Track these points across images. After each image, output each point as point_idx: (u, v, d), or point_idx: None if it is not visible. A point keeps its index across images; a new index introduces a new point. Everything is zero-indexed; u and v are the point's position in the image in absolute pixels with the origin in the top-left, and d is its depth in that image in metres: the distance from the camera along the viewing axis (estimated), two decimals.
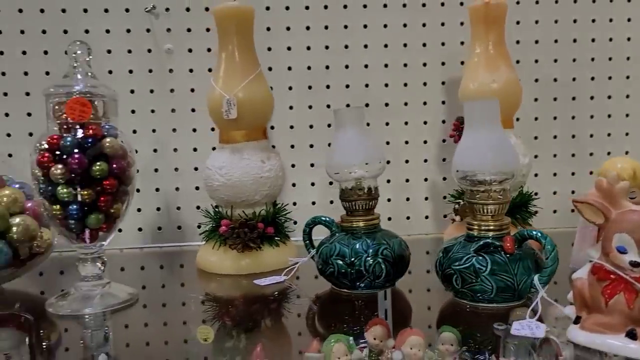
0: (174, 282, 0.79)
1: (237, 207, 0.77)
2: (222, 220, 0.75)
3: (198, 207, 1.01)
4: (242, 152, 0.76)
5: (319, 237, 0.69)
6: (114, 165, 0.61)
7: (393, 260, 0.62)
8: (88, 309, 0.61)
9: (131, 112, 0.98)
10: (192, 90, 1.00)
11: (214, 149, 0.99)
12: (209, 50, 0.99)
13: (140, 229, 1.00)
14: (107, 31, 0.98)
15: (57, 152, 0.59)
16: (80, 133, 0.60)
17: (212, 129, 0.99)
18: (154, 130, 1.00)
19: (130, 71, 0.99)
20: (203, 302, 0.66)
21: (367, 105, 1.01)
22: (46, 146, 0.60)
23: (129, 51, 0.99)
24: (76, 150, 0.59)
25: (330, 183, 1.02)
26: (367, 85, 1.02)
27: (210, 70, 0.99)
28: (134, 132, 0.98)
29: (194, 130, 1.01)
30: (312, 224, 0.69)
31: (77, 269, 0.64)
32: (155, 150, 1.00)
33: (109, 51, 0.98)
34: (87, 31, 0.98)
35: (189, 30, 0.99)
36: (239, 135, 0.76)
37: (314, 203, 1.02)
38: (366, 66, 1.02)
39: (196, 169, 1.01)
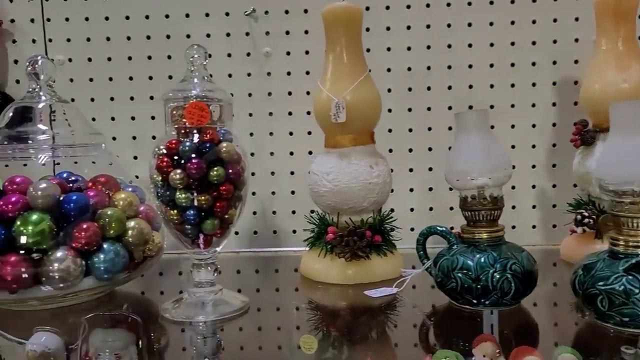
0: (277, 288, 0.77)
1: (343, 214, 0.74)
2: (328, 228, 0.73)
3: (294, 212, 0.99)
4: (349, 157, 0.73)
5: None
6: (230, 171, 0.60)
7: (522, 276, 0.57)
8: (201, 316, 0.60)
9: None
10: (290, 93, 0.99)
11: (310, 152, 0.98)
12: (307, 52, 0.98)
13: (236, 233, 1.00)
14: (208, 35, 0.98)
15: (175, 157, 0.59)
16: (197, 138, 0.59)
17: (309, 133, 0.98)
18: (251, 134, 0.99)
19: (230, 75, 0.99)
20: (309, 310, 0.64)
21: (470, 107, 0.96)
22: (164, 151, 0.60)
23: (229, 55, 0.99)
24: (194, 155, 0.58)
25: (430, 189, 0.98)
26: (470, 87, 0.97)
27: (308, 73, 0.98)
28: None
29: (291, 133, 0.99)
30: (427, 234, 0.65)
31: (190, 273, 0.63)
32: (252, 154, 0.99)
33: (209, 55, 0.99)
34: (188, 36, 0.99)
35: (287, 32, 0.98)
36: (347, 139, 0.74)
37: (412, 210, 0.98)
38: (470, 66, 0.96)
39: (292, 173, 0.99)
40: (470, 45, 0.96)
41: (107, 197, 0.66)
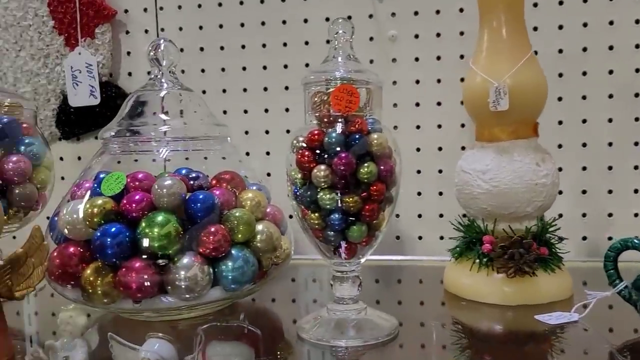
0: (408, 302, 0.66)
1: (500, 220, 0.62)
2: (484, 237, 0.62)
3: (420, 216, 0.89)
4: (511, 153, 0.61)
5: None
6: (382, 167, 0.50)
7: None
8: (343, 341, 0.50)
9: None
10: (417, 81, 0.88)
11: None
12: (438, 35, 0.86)
13: None
14: (327, 19, 0.89)
15: (318, 151, 0.50)
16: (340, 128, 0.50)
17: (439, 126, 0.87)
18: None
19: None
20: (457, 333, 0.54)
21: (636, 95, 0.81)
22: (305, 144, 0.51)
23: (327, 42, 0.89)
24: (341, 149, 0.49)
25: (584, 192, 0.84)
26: (637, 71, 0.82)
27: (439, 58, 0.87)
28: None
29: (418, 127, 0.88)
30: (621, 249, 0.52)
31: (331, 287, 0.54)
32: None
33: (328, 42, 0.90)
34: (305, 20, 0.90)
35: (415, 13, 0.87)
36: (506, 131, 0.62)
37: (560, 215, 0.84)
38: (637, 46, 0.81)
39: (419, 172, 0.88)
40: (637, 22, 0.81)
41: (234, 197, 0.59)
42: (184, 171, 0.66)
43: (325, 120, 0.51)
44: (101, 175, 0.62)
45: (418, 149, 0.88)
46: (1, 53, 0.96)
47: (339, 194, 0.49)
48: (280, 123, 0.91)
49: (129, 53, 0.97)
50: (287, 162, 0.53)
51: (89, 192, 0.58)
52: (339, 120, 0.50)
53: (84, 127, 0.97)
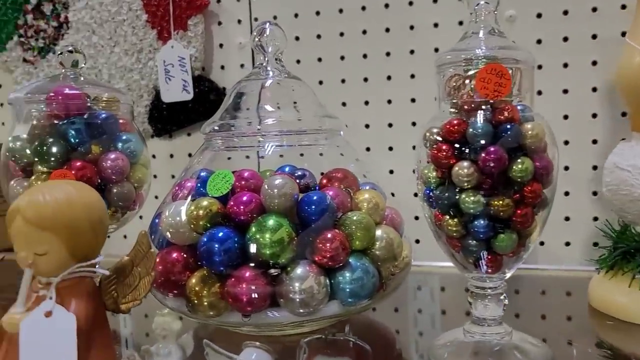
0: (548, 318, 0.57)
1: None
2: None
3: None
4: None
5: None
6: (537, 163, 0.41)
7: None
8: None
9: None
10: (540, 67, 0.77)
11: (566, 143, 0.76)
12: (565, 13, 0.76)
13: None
14: (435, 1, 0.81)
15: (458, 145, 0.42)
16: (482, 117, 0.42)
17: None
18: None
19: None
20: None
21: None
22: (439, 137, 0.43)
23: (460, 23, 0.80)
24: (489, 142, 0.41)
25: None
26: None
27: (566, 39, 0.76)
28: None
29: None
30: None
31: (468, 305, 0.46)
32: None
33: (435, 25, 0.82)
34: (410, 3, 0.82)
35: None
36: None
37: None
38: None
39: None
40: None
41: (349, 198, 0.52)
42: (287, 169, 0.60)
43: (466, 107, 0.43)
44: (202, 174, 0.57)
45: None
46: (96, 50, 0.95)
47: (485, 196, 0.41)
48: (404, 114, 0.82)
49: (221, 45, 0.92)
50: (417, 158, 0.46)
51: (191, 193, 0.53)
52: (483, 107, 0.42)
53: (176, 124, 0.93)
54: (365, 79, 0.85)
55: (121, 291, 0.40)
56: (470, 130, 0.41)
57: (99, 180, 0.63)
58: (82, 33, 0.96)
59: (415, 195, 0.78)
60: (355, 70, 0.85)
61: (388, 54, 0.83)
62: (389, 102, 0.83)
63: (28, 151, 0.63)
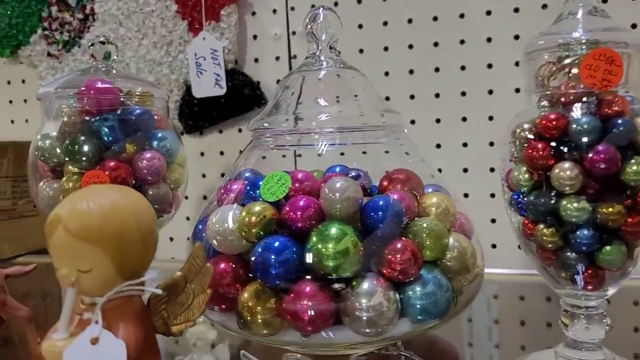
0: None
1: None
2: None
3: None
4: None
5: None
6: None
7: None
8: None
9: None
10: None
11: None
12: None
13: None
14: None
15: (554, 143, 0.36)
16: (587, 110, 0.36)
17: None
18: None
19: None
20: None
21: None
22: (531, 135, 0.37)
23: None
24: (591, 139, 0.35)
25: None
26: None
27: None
28: None
29: None
30: None
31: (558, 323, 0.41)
32: None
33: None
34: None
35: None
36: None
37: None
38: None
39: None
40: None
41: (416, 202, 0.46)
42: (337, 169, 0.55)
43: (563, 100, 0.37)
44: (246, 174, 0.52)
45: None
46: (124, 42, 0.90)
47: (591, 202, 0.35)
48: (480, 108, 0.76)
49: (255, 37, 0.87)
50: (500, 157, 0.40)
51: (240, 197, 0.48)
52: (585, 99, 0.36)
53: (208, 120, 0.89)
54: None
55: (172, 311, 0.35)
56: (574, 126, 0.35)
57: (133, 182, 0.59)
58: (109, 25, 0.91)
59: (492, 195, 0.73)
60: (425, 59, 0.78)
61: (462, 41, 0.77)
62: (463, 94, 0.77)
63: (58, 150, 0.58)
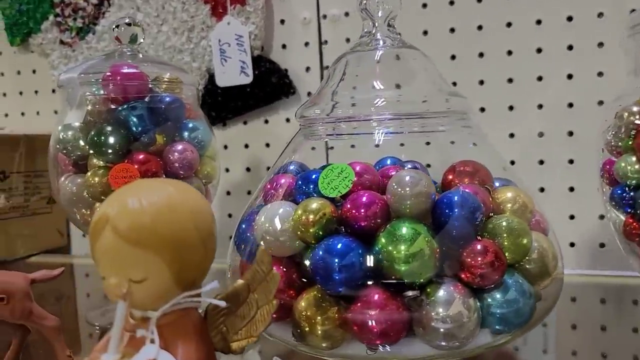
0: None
1: None
2: None
3: None
4: None
5: None
6: None
7: None
8: None
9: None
10: None
11: None
12: None
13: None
14: None
15: None
16: None
17: None
18: None
19: None
20: None
21: None
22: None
23: None
24: None
25: None
26: None
27: None
28: None
29: None
30: None
31: None
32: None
33: None
34: None
35: None
36: None
37: None
38: None
39: None
40: None
41: (490, 198, 0.41)
42: (388, 161, 0.50)
43: None
44: (291, 167, 0.47)
45: None
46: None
47: None
48: (557, 93, 0.69)
49: (282, 21, 0.82)
50: (600, 146, 0.35)
51: (290, 192, 0.43)
52: None
53: (232, 111, 0.83)
54: (509, 52, 0.72)
55: (232, 325, 0.30)
56: None
57: (164, 176, 0.54)
58: (126, 10, 0.86)
59: (571, 189, 0.68)
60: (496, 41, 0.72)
61: (539, 22, 0.70)
62: (540, 79, 0.71)
63: (82, 142, 0.53)
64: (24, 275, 0.41)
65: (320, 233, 0.38)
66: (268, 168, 0.78)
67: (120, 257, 0.26)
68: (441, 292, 0.36)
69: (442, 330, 0.36)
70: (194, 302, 0.28)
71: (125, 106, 0.52)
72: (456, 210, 0.38)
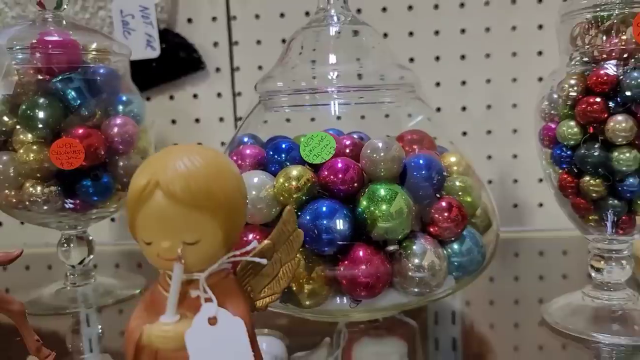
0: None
1: None
2: None
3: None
4: None
5: None
6: None
7: None
8: (607, 336, 0.40)
9: None
10: None
11: None
12: None
13: None
14: None
15: (604, 99, 0.39)
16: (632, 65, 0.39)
17: None
18: None
19: None
20: None
21: None
22: (579, 91, 0.39)
23: None
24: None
25: None
26: None
27: None
28: None
29: None
30: None
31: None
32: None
33: None
34: None
35: None
36: None
37: None
38: None
39: None
40: None
41: (440, 161, 0.46)
42: (330, 132, 0.53)
43: (605, 57, 0.40)
44: (244, 139, 0.49)
45: None
46: None
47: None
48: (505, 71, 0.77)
49: None
50: (538, 114, 0.42)
51: (256, 163, 0.44)
52: (625, 57, 0.39)
53: (138, 86, 0.80)
54: (463, 31, 0.78)
55: (257, 284, 0.31)
56: (627, 81, 0.38)
57: (102, 152, 0.51)
58: None
59: (515, 156, 0.76)
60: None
61: (487, 3, 0.76)
62: (487, 56, 0.78)
63: (6, 118, 0.49)
64: None
65: (304, 198, 0.40)
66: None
67: (174, 220, 0.26)
68: (416, 245, 0.41)
69: (417, 278, 0.40)
70: (228, 264, 0.29)
71: (59, 77, 0.48)
72: (423, 172, 0.42)
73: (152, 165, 0.27)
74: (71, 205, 0.51)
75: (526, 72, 0.76)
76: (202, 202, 0.26)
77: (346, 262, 0.40)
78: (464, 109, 0.79)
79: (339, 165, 0.42)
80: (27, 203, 0.49)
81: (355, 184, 0.41)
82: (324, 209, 0.40)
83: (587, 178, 0.40)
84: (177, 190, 0.25)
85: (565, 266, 0.66)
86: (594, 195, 0.40)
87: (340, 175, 0.41)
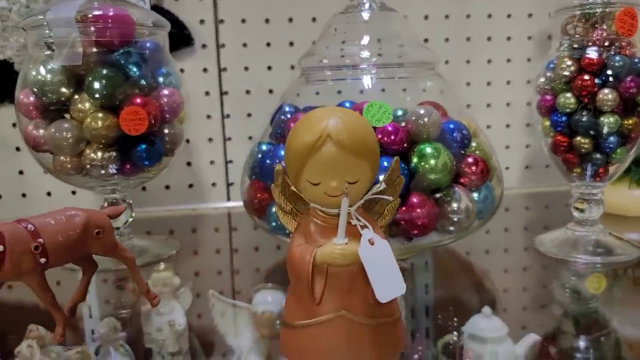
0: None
1: None
2: None
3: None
4: None
5: None
6: None
7: None
8: (581, 255, 0.54)
9: None
10: None
11: None
12: None
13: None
14: None
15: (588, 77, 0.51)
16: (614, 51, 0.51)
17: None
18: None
19: None
20: None
21: None
22: (573, 70, 0.51)
23: None
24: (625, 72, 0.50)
25: None
26: None
27: None
28: None
29: None
30: None
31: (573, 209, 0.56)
32: None
33: None
34: None
35: None
36: None
37: None
38: None
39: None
40: None
41: None
42: (347, 104, 0.61)
43: (589, 44, 0.52)
44: (286, 108, 0.56)
45: None
46: None
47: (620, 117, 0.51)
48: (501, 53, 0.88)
49: None
50: (537, 89, 0.53)
51: None
52: (616, 44, 0.51)
53: None
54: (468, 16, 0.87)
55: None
56: (611, 62, 0.50)
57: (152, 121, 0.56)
58: None
59: (507, 126, 0.88)
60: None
61: None
62: (489, 39, 0.88)
63: (64, 88, 0.52)
64: (103, 212, 0.41)
65: None
66: None
67: (342, 165, 0.33)
68: (455, 193, 0.50)
69: (456, 219, 0.50)
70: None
71: (120, 51, 0.52)
72: (454, 134, 0.52)
73: (320, 121, 0.33)
74: (124, 169, 0.55)
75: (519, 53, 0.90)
76: (361, 149, 0.33)
77: (404, 208, 0.48)
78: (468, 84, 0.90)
79: (389, 128, 0.50)
80: (88, 167, 0.53)
81: (405, 144, 0.50)
82: (385, 164, 0.48)
83: (579, 138, 0.52)
84: (345, 141, 0.33)
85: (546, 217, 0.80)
86: (582, 150, 0.52)
87: (392, 137, 0.50)
